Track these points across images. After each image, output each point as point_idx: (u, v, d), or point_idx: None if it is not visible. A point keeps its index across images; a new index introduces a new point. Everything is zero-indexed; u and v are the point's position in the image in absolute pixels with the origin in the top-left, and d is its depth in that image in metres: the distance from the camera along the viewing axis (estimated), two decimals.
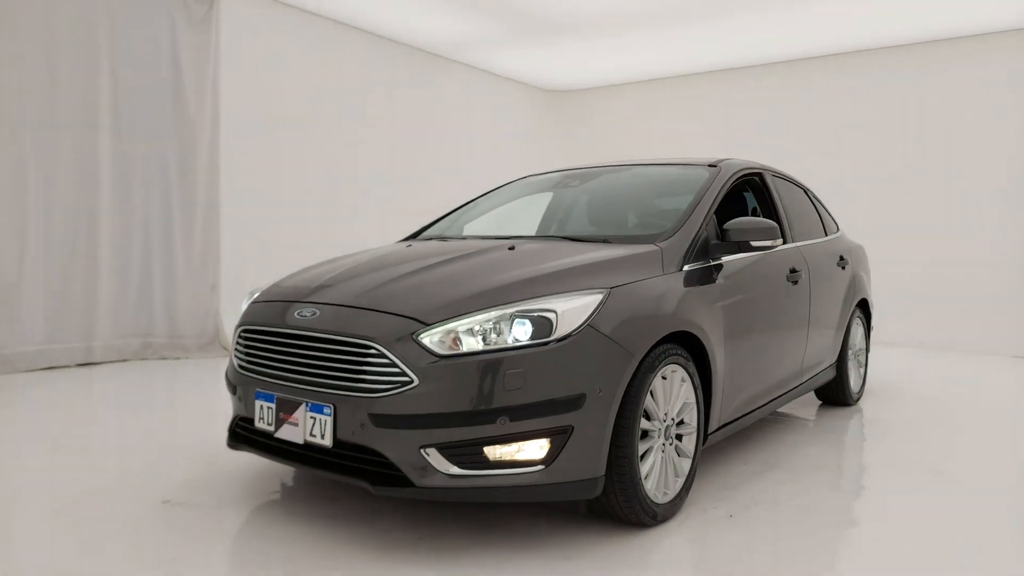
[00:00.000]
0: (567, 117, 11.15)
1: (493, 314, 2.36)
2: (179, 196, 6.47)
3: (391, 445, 2.30)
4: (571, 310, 2.41)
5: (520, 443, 2.31)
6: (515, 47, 8.86)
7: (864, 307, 5.04)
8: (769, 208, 3.96)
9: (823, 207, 4.92)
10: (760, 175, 3.98)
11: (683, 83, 10.07)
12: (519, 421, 2.28)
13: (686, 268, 2.92)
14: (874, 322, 5.63)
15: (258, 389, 2.60)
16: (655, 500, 2.63)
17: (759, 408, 3.52)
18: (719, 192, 3.36)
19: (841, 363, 4.63)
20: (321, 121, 7.87)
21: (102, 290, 6.01)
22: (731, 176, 3.56)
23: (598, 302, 2.47)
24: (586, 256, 2.78)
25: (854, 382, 4.86)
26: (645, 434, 2.61)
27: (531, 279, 2.54)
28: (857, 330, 4.89)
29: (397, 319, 2.39)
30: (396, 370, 2.29)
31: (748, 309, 3.26)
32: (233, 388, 2.80)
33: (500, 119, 10.38)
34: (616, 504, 2.53)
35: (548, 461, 2.33)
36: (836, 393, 4.74)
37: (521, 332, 2.34)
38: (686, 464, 2.84)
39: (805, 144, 8.89)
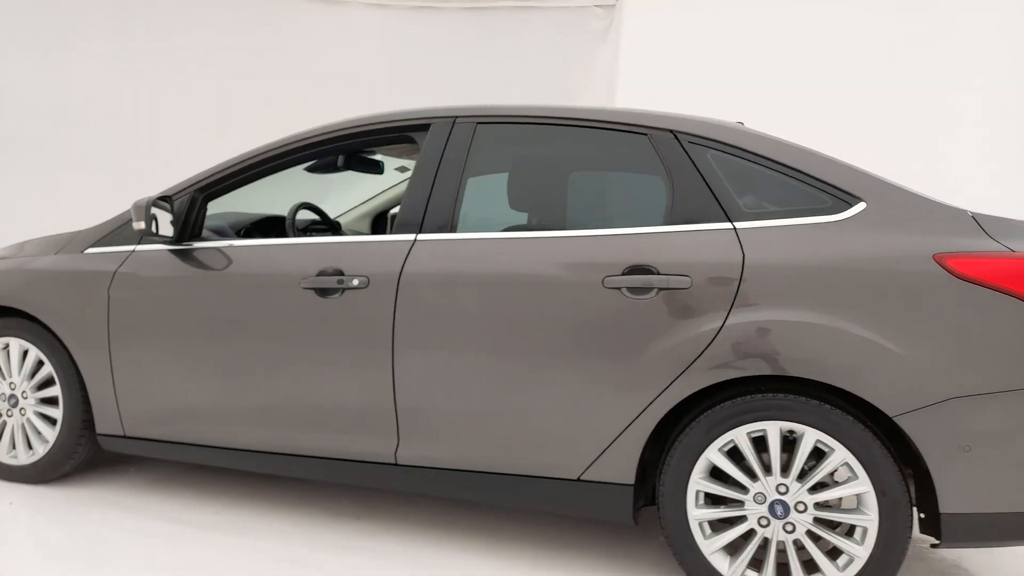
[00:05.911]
0: None
1: None
2: None
3: None
4: None
5: None
6: None
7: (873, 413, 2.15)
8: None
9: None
10: (427, 126, 2.67)
11: None
12: None
13: (89, 251, 2.87)
14: None
15: None
16: None
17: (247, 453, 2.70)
18: (236, 167, 2.76)
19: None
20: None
21: None
22: (294, 145, 2.74)
23: None
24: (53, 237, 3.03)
25: (740, 564, 2.20)
26: None
27: None
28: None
29: None
30: None
31: (177, 306, 2.74)
32: None
33: None
34: None
35: None
36: None
37: None
38: None
39: None
